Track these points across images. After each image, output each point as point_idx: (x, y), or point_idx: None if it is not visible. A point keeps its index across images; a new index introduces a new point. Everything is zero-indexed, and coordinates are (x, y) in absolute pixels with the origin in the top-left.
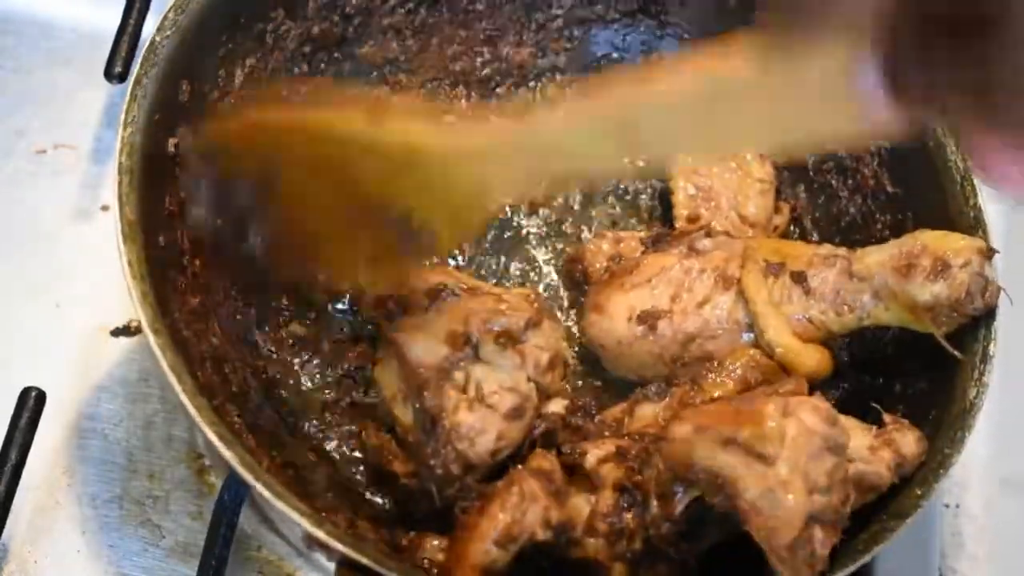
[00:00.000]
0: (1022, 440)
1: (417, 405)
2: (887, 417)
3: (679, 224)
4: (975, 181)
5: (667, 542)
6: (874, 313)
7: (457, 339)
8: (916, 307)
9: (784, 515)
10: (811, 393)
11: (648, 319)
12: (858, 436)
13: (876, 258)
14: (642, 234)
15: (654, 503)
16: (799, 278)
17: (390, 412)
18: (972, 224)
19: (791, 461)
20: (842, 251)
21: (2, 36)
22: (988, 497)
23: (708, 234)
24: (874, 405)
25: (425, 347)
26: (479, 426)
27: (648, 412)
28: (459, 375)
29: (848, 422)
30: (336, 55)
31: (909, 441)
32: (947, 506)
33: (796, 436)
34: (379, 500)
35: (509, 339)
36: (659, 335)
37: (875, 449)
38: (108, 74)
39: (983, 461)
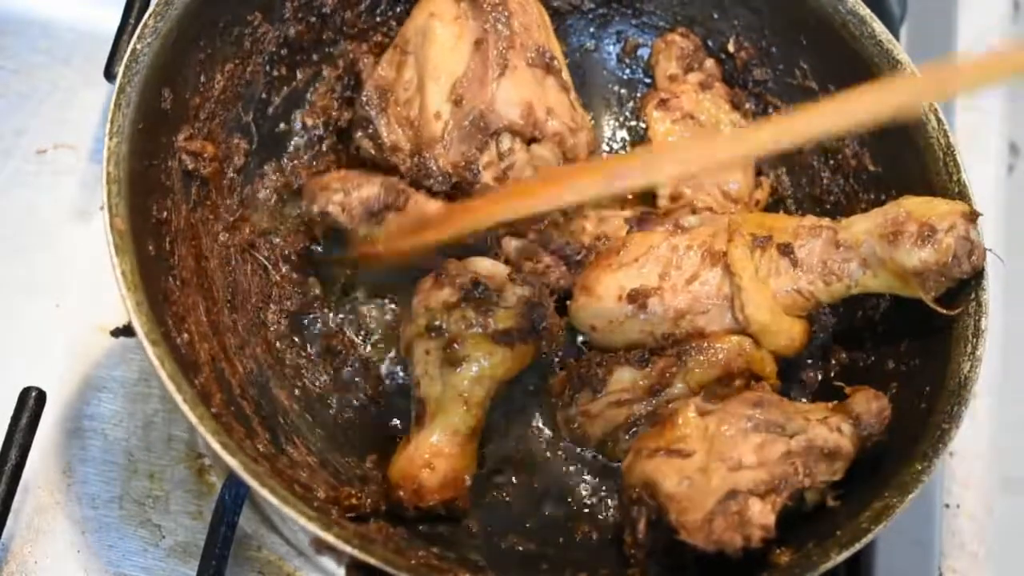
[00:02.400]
0: (1022, 440)
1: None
2: (848, 390)
3: (662, 203)
4: (957, 156)
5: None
6: (862, 281)
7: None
8: (904, 273)
9: (697, 496)
10: (802, 374)
11: (638, 298)
12: (807, 412)
13: (862, 226)
14: (626, 213)
15: (627, 532)
16: (786, 250)
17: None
18: (957, 197)
19: (709, 449)
20: (827, 221)
21: (2, 36)
22: (988, 497)
23: (693, 211)
24: None
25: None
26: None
27: (626, 377)
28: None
29: (794, 404)
30: (314, 57)
31: (859, 400)
32: (947, 506)
33: (718, 426)
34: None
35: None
36: (650, 313)
37: (825, 419)
38: (108, 74)
39: (983, 461)
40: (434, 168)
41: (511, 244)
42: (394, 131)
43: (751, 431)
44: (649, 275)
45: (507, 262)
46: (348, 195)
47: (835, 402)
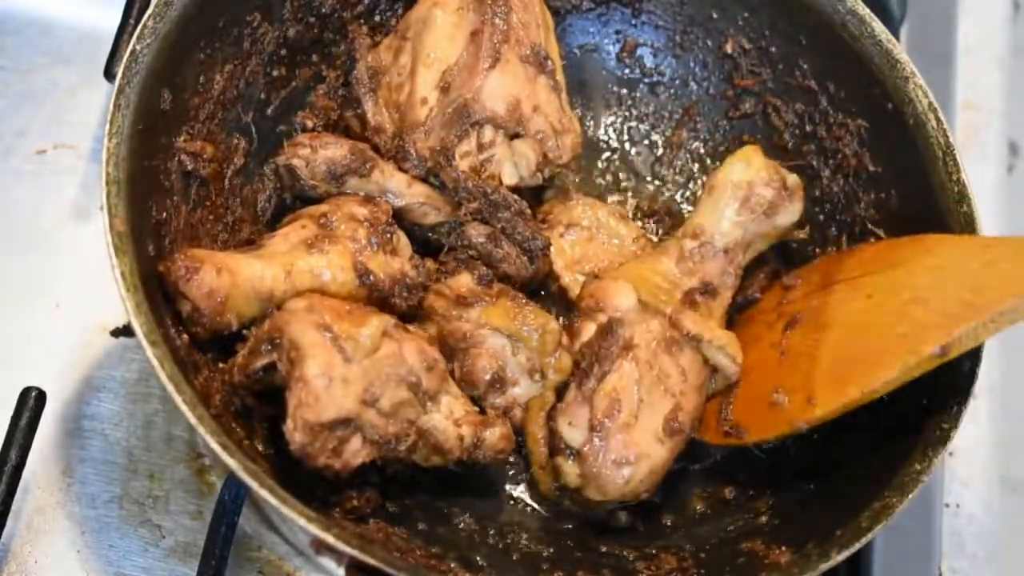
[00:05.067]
0: (1022, 440)
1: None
2: (490, 410)
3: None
4: (957, 156)
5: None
6: (747, 251)
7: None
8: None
9: (324, 400)
10: None
11: (671, 427)
12: (455, 403)
13: (725, 223)
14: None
15: (243, 355)
16: (707, 289)
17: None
18: (957, 198)
19: (366, 370)
20: (690, 241)
21: (2, 36)
22: (988, 497)
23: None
24: None
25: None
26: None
27: (463, 281)
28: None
29: (456, 388)
30: (313, 57)
31: (494, 432)
32: (947, 506)
33: (385, 356)
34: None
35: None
36: (683, 430)
37: (460, 421)
38: (108, 74)
39: (983, 461)
40: (412, 152)
41: (477, 230)
42: (380, 112)
43: (404, 385)
44: (664, 402)
45: (470, 246)
46: (315, 152)
47: (480, 413)
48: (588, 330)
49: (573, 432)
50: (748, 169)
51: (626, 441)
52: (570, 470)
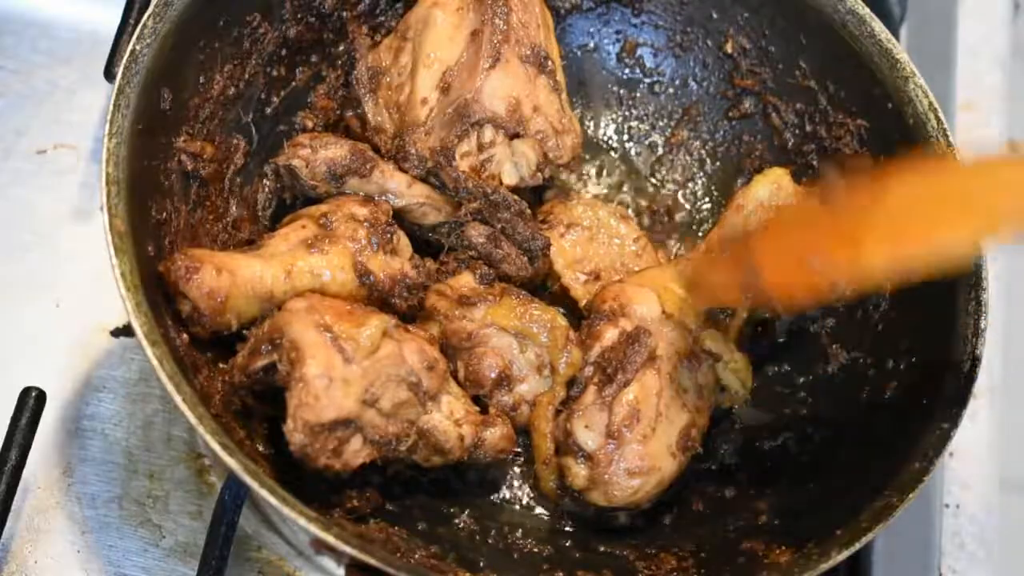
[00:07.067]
0: (1022, 440)
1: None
2: (492, 408)
3: (583, 305)
4: (957, 156)
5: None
6: None
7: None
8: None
9: (324, 400)
10: (798, 376)
11: (685, 443)
12: (456, 403)
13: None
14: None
15: (243, 355)
16: (727, 309)
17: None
18: None
19: (366, 371)
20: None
21: (2, 36)
22: (988, 497)
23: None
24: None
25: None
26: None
27: (464, 281)
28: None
29: (457, 388)
30: (313, 58)
31: (495, 432)
32: (947, 506)
33: (385, 356)
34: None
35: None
36: (692, 452)
37: (460, 421)
38: (108, 74)
39: (983, 461)
40: (412, 152)
41: (477, 230)
42: (380, 112)
43: (404, 385)
44: (680, 417)
45: (471, 247)
46: (315, 152)
47: (481, 412)
48: (609, 334)
49: (588, 435)
50: (778, 193)
51: (641, 452)
52: (579, 472)
